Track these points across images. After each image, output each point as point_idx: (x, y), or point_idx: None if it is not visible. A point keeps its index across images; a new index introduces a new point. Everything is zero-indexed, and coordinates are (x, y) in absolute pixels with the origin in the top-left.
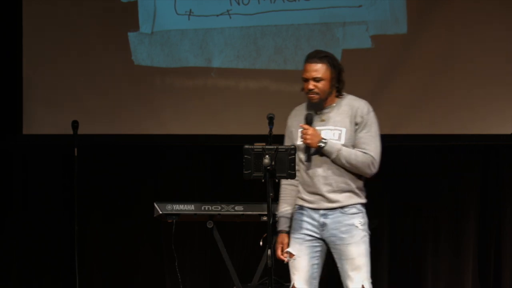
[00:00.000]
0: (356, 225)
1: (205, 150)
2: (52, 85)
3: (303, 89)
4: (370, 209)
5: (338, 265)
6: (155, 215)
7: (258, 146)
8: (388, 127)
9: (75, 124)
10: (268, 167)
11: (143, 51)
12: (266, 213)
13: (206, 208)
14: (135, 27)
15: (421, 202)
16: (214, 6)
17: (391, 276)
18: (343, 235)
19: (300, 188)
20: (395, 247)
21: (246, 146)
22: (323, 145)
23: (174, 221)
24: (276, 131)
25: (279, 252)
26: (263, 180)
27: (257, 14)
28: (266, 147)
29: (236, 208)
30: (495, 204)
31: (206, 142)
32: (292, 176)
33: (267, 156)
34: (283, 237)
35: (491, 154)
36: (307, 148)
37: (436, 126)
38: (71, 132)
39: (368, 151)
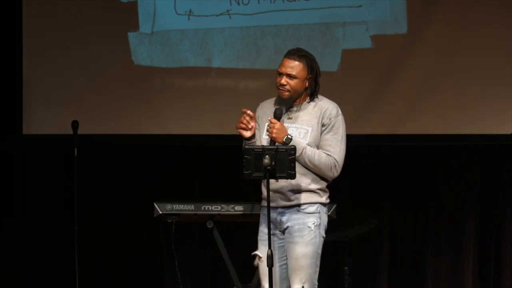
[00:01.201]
0: (309, 225)
1: (205, 150)
2: (52, 85)
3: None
4: (370, 209)
5: (287, 262)
6: (155, 215)
7: (258, 146)
8: (388, 127)
9: (75, 124)
10: (268, 167)
11: (143, 51)
12: None
13: (206, 208)
14: (135, 27)
15: (421, 202)
16: (214, 6)
17: (391, 276)
18: (294, 233)
19: (262, 187)
20: (395, 247)
21: (246, 146)
22: (288, 141)
23: (174, 221)
24: None
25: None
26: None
27: (257, 14)
28: (266, 147)
29: (236, 208)
30: (495, 204)
31: (206, 142)
32: (292, 176)
33: (267, 156)
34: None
35: (491, 154)
36: (272, 143)
37: (436, 126)
38: (71, 132)
39: (332, 153)
